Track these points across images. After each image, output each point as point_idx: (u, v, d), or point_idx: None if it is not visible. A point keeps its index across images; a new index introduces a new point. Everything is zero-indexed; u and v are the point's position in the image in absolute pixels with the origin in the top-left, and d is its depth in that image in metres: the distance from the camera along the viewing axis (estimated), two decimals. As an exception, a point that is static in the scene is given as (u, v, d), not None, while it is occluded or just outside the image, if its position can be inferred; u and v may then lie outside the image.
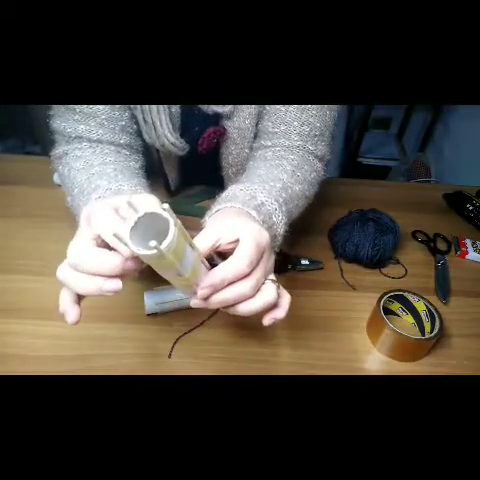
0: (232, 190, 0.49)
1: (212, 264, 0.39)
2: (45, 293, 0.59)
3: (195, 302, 0.37)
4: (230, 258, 0.37)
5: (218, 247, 0.38)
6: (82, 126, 0.57)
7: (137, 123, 0.63)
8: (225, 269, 0.36)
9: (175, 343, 0.55)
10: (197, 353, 0.55)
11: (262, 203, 0.47)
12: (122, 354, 0.54)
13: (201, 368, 0.53)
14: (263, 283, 0.39)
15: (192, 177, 0.82)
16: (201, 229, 0.43)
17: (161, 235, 0.28)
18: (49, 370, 0.51)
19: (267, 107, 0.62)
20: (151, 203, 0.37)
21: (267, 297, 0.38)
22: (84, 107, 0.57)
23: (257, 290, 0.38)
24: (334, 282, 0.67)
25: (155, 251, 0.27)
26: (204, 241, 0.37)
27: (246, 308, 0.38)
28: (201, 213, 0.49)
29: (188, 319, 0.58)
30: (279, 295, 0.40)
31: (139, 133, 0.64)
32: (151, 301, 0.57)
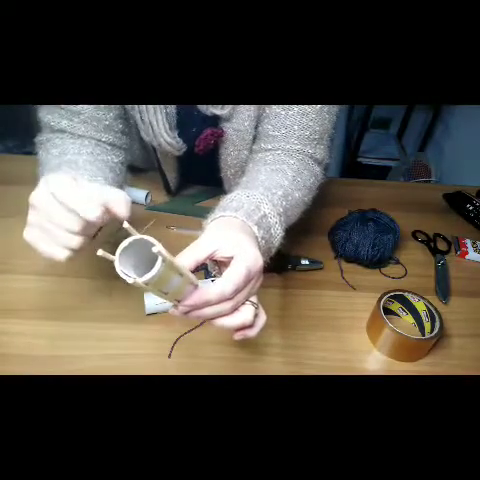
0: (238, 196, 0.49)
1: (207, 271, 0.41)
2: (44, 292, 0.59)
3: (173, 311, 0.39)
4: (218, 280, 0.39)
5: (214, 256, 0.41)
6: (65, 121, 0.58)
7: (123, 121, 0.63)
8: (211, 293, 0.38)
9: (175, 343, 0.55)
10: (197, 353, 0.55)
11: (265, 215, 0.48)
12: (122, 354, 0.54)
13: (201, 368, 0.53)
14: (243, 303, 0.41)
15: (191, 177, 0.82)
16: (201, 230, 0.44)
17: (153, 260, 0.29)
18: (48, 370, 0.51)
19: (267, 110, 0.62)
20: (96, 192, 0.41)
21: (243, 319, 0.41)
22: None
23: (235, 309, 0.41)
24: (334, 282, 0.67)
25: (132, 282, 0.29)
26: (203, 250, 0.40)
27: (221, 323, 0.41)
28: (201, 213, 0.49)
29: (188, 319, 0.58)
30: (256, 315, 0.42)
31: (124, 131, 0.64)
32: (151, 301, 0.57)
